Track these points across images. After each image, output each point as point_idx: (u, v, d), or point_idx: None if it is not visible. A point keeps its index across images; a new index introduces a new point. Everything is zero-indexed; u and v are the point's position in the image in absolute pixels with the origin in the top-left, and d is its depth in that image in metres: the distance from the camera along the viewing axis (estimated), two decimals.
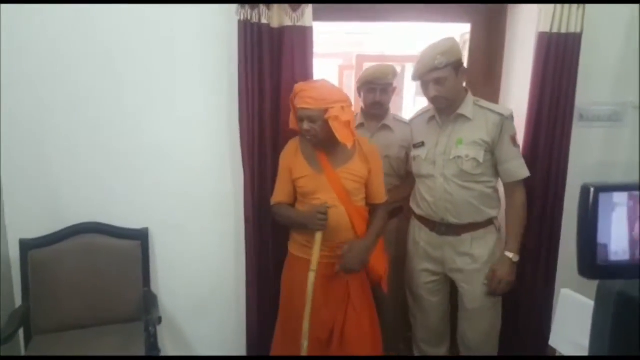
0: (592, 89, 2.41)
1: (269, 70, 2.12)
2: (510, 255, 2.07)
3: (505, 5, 2.53)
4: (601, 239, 0.82)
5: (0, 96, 2.11)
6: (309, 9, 2.06)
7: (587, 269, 0.84)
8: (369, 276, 2.10)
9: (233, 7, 2.04)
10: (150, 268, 2.36)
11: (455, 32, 3.68)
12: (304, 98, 1.89)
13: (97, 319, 2.24)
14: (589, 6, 2.17)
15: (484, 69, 2.65)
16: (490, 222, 2.12)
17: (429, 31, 4.61)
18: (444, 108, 2.07)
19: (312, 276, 1.92)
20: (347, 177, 1.98)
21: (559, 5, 2.14)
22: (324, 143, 1.95)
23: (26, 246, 2.20)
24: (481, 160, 2.01)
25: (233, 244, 2.42)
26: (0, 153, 2.16)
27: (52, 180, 2.25)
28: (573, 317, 1.54)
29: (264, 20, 2.04)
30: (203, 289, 2.48)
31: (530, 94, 2.27)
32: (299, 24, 2.06)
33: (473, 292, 2.13)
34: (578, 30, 2.20)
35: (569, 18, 2.17)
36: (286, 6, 2.05)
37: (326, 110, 1.86)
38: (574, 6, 2.15)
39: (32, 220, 2.24)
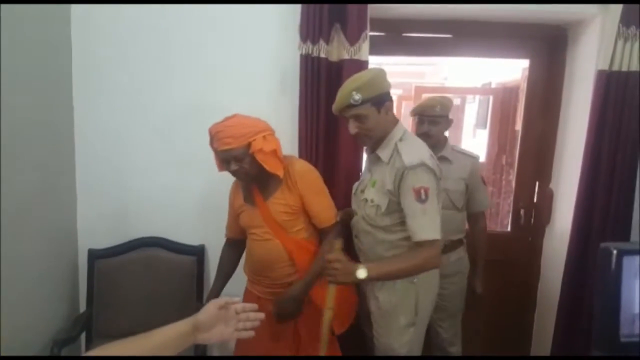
0: None
1: (325, 99, 2.20)
2: (362, 272, 1.59)
3: (564, 42, 2.52)
4: (625, 309, 0.70)
5: (74, 121, 2.34)
6: (365, 44, 2.15)
7: (607, 344, 0.71)
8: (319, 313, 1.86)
9: (296, 41, 2.17)
10: (204, 283, 2.47)
11: (518, 65, 3.68)
12: (222, 139, 1.75)
13: (153, 329, 2.35)
14: None
15: (542, 105, 2.62)
16: None
17: (493, 63, 4.60)
18: (370, 145, 1.87)
19: (328, 314, 1.74)
20: (276, 209, 1.87)
21: (619, 43, 2.12)
22: (257, 177, 1.86)
23: (93, 255, 2.37)
24: (383, 210, 1.77)
25: None
26: (76, 173, 2.38)
27: (120, 197, 2.43)
28: None
29: (322, 55, 2.15)
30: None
31: (587, 132, 2.23)
32: (356, 57, 2.15)
33: (378, 339, 1.93)
34: None
35: (630, 56, 2.14)
36: (344, 41, 2.15)
37: (249, 145, 1.76)
38: (636, 44, 2.12)
39: (101, 233, 2.42)
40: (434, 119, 2.32)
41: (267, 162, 1.78)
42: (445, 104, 2.35)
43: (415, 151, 1.74)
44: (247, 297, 2.07)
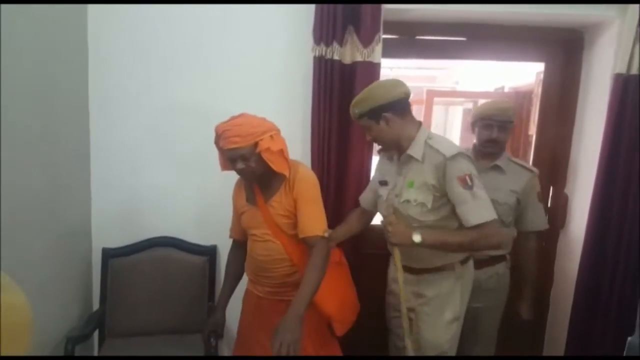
0: None
1: (338, 102, 2.22)
2: (417, 237, 1.72)
3: (580, 44, 2.50)
4: None
5: (89, 122, 2.37)
6: (378, 46, 2.15)
7: None
8: (320, 314, 1.89)
9: (310, 43, 2.18)
10: (216, 283, 2.48)
11: (531, 70, 3.66)
12: (229, 138, 1.75)
13: (164, 328, 2.38)
14: None
15: (557, 109, 2.60)
16: (449, 267, 1.91)
17: (505, 67, 4.58)
18: (392, 149, 1.95)
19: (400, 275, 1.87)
20: (275, 211, 1.88)
21: (637, 47, 2.10)
22: (262, 177, 1.86)
23: (107, 254, 2.40)
24: (429, 206, 1.80)
25: None
26: (91, 173, 2.42)
27: (134, 197, 2.46)
28: None
29: (336, 57, 2.16)
30: None
31: (603, 137, 2.21)
32: (369, 59, 2.16)
33: (421, 334, 1.94)
34: None
35: None
36: (358, 43, 2.15)
37: (256, 144, 1.76)
38: None
39: (115, 232, 2.45)
40: (504, 125, 2.19)
41: (274, 161, 1.78)
42: (515, 109, 2.22)
43: (448, 143, 1.83)
44: (248, 297, 2.08)
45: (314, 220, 1.85)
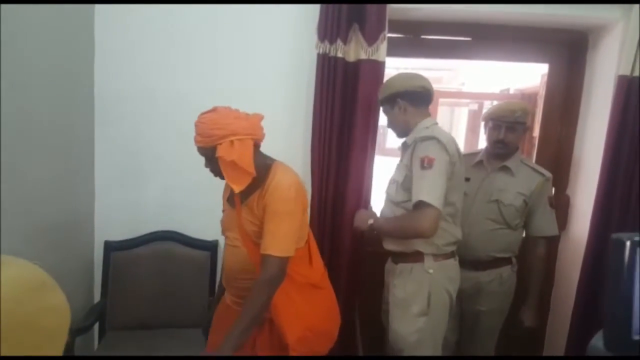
0: None
1: (340, 99, 2.22)
2: (370, 220, 2.01)
3: (585, 46, 2.50)
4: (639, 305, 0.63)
5: (94, 115, 2.39)
6: (383, 44, 2.15)
7: (618, 342, 0.66)
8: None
9: (314, 41, 2.19)
10: (217, 278, 2.48)
11: (536, 72, 3.66)
12: (195, 135, 1.60)
13: (165, 322, 2.39)
14: None
15: (561, 109, 2.60)
16: (417, 256, 1.90)
17: (511, 69, 4.58)
18: (403, 135, 2.03)
19: None
20: (245, 216, 1.67)
21: None
22: None
23: (110, 247, 2.41)
24: (400, 183, 1.92)
25: None
26: (95, 166, 2.43)
27: (138, 190, 2.48)
28: None
29: (339, 54, 2.16)
30: None
31: (606, 138, 2.21)
32: (373, 57, 2.15)
33: (391, 325, 1.96)
34: None
35: None
36: (362, 41, 2.15)
37: (216, 148, 1.55)
38: None
39: (117, 225, 2.46)
40: (512, 126, 2.15)
41: (225, 171, 1.55)
42: (527, 110, 2.18)
43: (435, 132, 1.86)
44: (221, 304, 1.93)
45: (271, 238, 1.58)
